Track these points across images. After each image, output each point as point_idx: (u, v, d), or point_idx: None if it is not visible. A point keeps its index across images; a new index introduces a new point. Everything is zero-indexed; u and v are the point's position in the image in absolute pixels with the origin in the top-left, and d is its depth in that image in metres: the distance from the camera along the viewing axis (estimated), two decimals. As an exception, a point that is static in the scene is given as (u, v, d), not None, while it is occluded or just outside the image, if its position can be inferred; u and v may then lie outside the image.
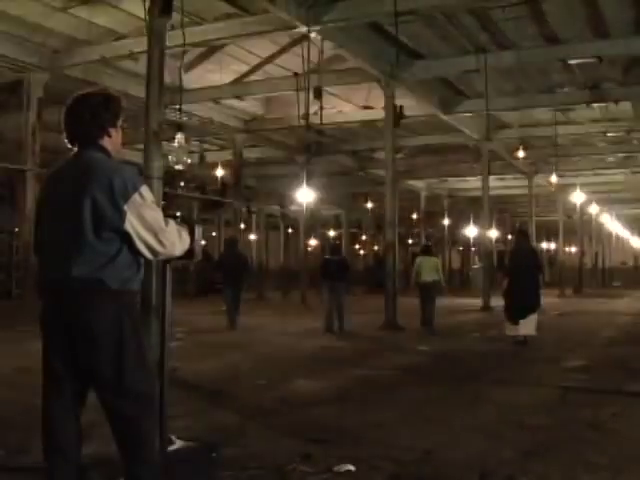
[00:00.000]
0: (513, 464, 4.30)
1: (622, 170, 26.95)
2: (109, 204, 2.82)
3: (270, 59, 14.99)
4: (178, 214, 3.38)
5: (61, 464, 2.90)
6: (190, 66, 14.41)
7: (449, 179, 30.29)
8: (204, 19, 12.23)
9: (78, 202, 2.83)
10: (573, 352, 10.09)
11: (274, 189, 30.10)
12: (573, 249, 40.46)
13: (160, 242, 2.93)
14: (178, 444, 3.68)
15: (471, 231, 33.87)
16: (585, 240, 36.95)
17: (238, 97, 17.01)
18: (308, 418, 5.72)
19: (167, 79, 9.24)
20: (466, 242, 39.29)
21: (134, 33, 12.50)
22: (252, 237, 33.80)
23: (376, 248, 37.70)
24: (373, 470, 4.17)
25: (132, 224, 2.85)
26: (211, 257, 28.50)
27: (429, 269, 13.48)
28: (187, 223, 3.20)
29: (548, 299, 16.37)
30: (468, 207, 34.64)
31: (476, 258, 38.14)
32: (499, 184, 27.04)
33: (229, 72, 15.73)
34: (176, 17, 9.05)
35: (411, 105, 16.10)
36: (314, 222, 26.92)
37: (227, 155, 21.85)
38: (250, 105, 18.47)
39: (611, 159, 25.44)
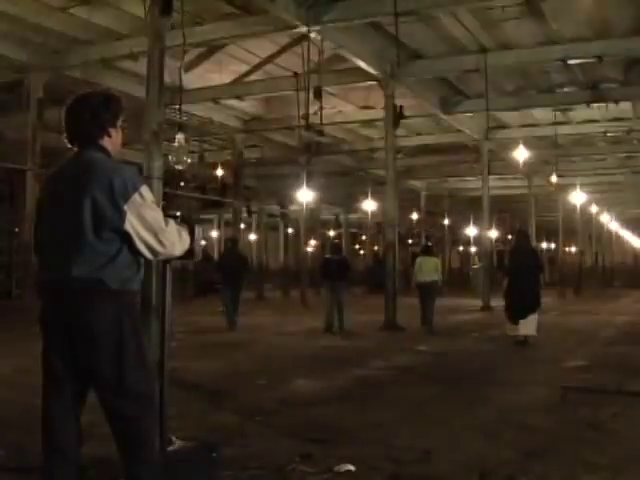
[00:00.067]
0: (513, 464, 4.30)
1: (622, 170, 26.96)
2: (109, 204, 2.82)
3: (270, 59, 14.99)
4: (178, 214, 3.38)
5: (61, 464, 2.90)
6: (190, 66, 14.38)
7: (449, 179, 30.29)
8: (204, 19, 12.23)
9: (78, 202, 2.82)
10: (573, 352, 10.09)
11: (274, 189, 30.09)
12: (573, 249, 40.42)
13: (160, 242, 2.93)
14: (178, 444, 3.68)
15: (471, 231, 33.86)
16: (585, 240, 36.95)
17: (238, 97, 17.00)
18: (308, 418, 5.72)
19: (167, 79, 9.23)
20: (466, 242, 39.27)
21: (134, 33, 12.49)
22: (252, 237, 33.83)
23: (376, 248, 37.69)
24: (373, 470, 4.17)
25: (132, 224, 2.85)
26: (211, 257, 28.54)
27: (429, 269, 13.50)
28: (187, 223, 3.20)
29: (548, 299, 16.38)
30: (468, 207, 34.63)
31: (476, 258, 38.12)
32: (499, 184, 27.04)
33: (229, 72, 15.73)
34: (176, 17, 9.05)
35: (411, 105, 16.10)
36: (314, 222, 26.90)
37: (227, 155, 21.86)
38: (250, 105, 18.47)
39: (611, 159, 25.45)
